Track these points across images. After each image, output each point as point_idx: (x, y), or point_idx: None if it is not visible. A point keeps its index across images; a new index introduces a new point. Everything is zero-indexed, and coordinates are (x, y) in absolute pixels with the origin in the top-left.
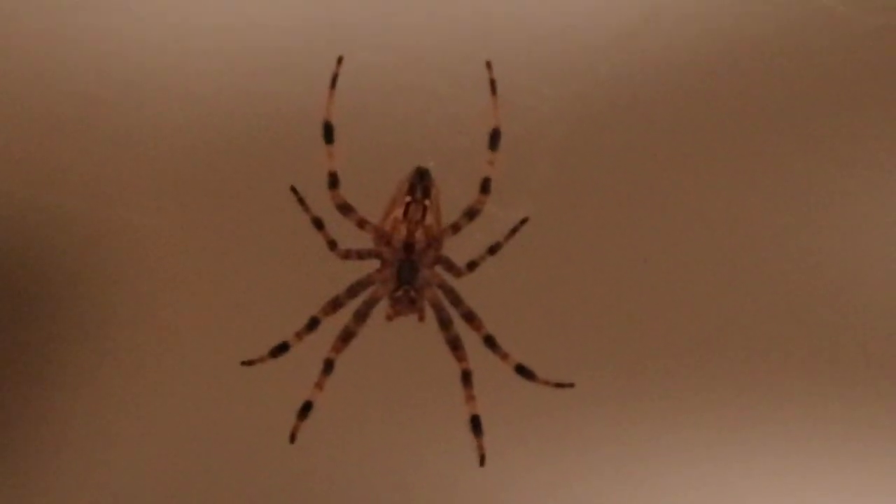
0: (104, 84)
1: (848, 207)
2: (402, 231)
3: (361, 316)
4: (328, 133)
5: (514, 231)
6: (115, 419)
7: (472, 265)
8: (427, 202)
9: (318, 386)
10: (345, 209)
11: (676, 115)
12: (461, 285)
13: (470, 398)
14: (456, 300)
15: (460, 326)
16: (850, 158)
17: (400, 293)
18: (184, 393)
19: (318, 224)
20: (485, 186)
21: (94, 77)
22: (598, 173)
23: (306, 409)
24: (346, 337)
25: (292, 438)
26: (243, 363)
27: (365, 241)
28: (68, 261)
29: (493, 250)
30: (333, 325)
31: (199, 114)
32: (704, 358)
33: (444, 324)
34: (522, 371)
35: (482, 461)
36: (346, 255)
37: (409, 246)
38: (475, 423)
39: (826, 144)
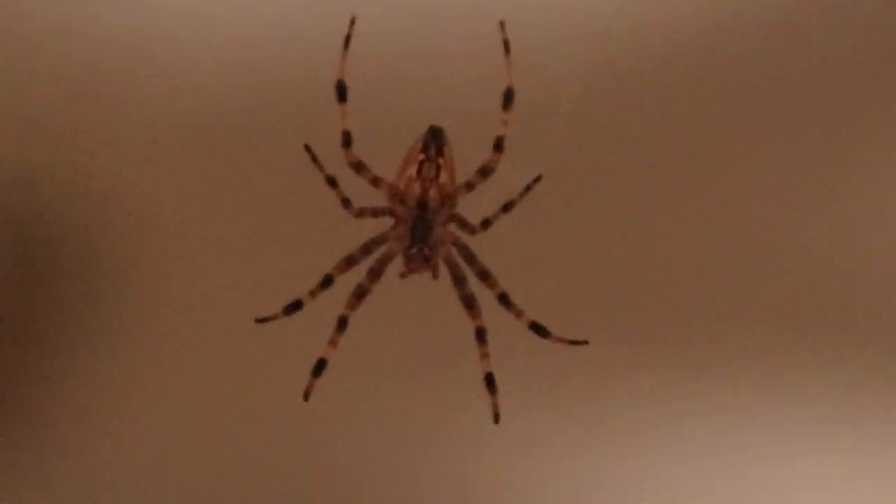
0: (113, 46)
1: (864, 187)
2: (416, 189)
3: (375, 273)
4: (341, 92)
5: (527, 189)
6: (131, 377)
7: (486, 223)
8: (441, 160)
9: (332, 343)
10: (358, 167)
11: (693, 75)
12: (475, 243)
13: (484, 356)
14: (470, 258)
15: (474, 284)
16: (866, 144)
17: (414, 250)
18: (199, 351)
19: (332, 182)
20: (498, 145)
21: (102, 39)
22: (611, 132)
23: (320, 366)
24: (360, 294)
25: (306, 396)
26: (257, 320)
27: (379, 199)
28: (79, 224)
29: (506, 208)
30: (347, 283)
31: (212, 75)
32: (719, 317)
33: (458, 281)
34: (536, 328)
35: (496, 419)
36: (360, 213)
37: (423, 204)
38: (489, 381)
39: (849, 122)
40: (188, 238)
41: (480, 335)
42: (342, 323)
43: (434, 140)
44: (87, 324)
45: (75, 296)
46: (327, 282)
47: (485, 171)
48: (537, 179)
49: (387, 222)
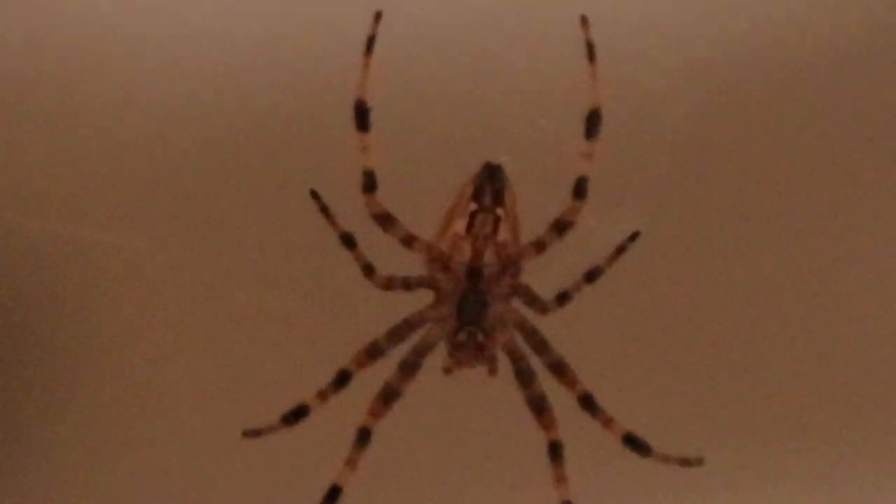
0: (83, 84)
1: None
2: (466, 251)
3: (409, 368)
4: (362, 117)
5: (619, 251)
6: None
7: (562, 298)
8: (499, 211)
9: (350, 464)
10: (385, 221)
11: (830, 88)
12: (547, 325)
13: (560, 479)
14: (540, 346)
15: (547, 382)
16: None
17: (463, 336)
18: (172, 470)
19: (349, 242)
20: (579, 189)
21: (71, 80)
22: (730, 171)
23: (334, 495)
24: (387, 397)
25: None
26: (246, 434)
27: (414, 265)
28: (45, 291)
29: (591, 277)
30: (371, 381)
31: (194, 99)
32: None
33: (525, 378)
34: (633, 442)
35: None
36: (388, 283)
37: (474, 271)
38: None
39: None
40: (161, 320)
41: (555, 451)
42: (364, 436)
43: (490, 183)
44: (35, 432)
45: (25, 388)
46: (343, 379)
47: (561, 226)
48: (633, 237)
49: (425, 297)
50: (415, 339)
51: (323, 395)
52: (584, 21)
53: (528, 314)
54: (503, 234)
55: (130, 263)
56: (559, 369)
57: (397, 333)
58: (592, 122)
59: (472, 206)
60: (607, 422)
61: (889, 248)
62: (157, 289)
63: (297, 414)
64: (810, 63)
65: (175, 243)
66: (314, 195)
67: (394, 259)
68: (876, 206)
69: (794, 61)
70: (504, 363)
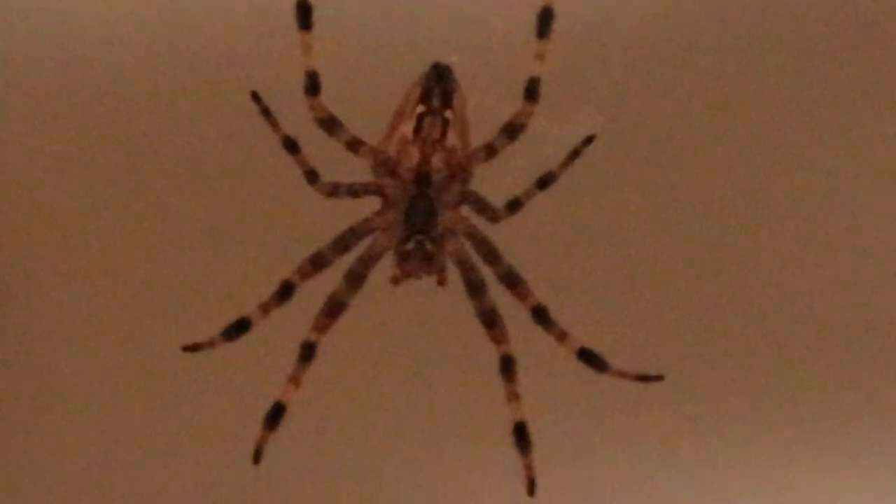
0: None
1: None
2: (414, 155)
3: (355, 279)
4: (305, 15)
5: (573, 155)
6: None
7: (514, 205)
8: (448, 114)
9: (294, 381)
10: (329, 125)
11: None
12: (499, 233)
13: (512, 396)
14: (491, 255)
15: (498, 294)
16: None
17: (411, 245)
18: (105, 389)
19: (292, 146)
20: (531, 91)
21: None
22: (690, 72)
23: (276, 414)
24: (332, 310)
25: (257, 457)
26: (185, 348)
27: (360, 170)
28: None
29: (544, 183)
30: (315, 293)
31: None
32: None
33: (476, 290)
34: (589, 357)
35: (531, 488)
36: (333, 190)
37: (423, 177)
38: (520, 434)
39: None
40: (88, 230)
41: (507, 367)
42: (308, 352)
43: (438, 84)
44: None
45: None
46: (286, 291)
47: (512, 130)
48: (588, 141)
49: (372, 204)
50: (361, 248)
51: (265, 308)
52: None
53: (479, 222)
54: (452, 139)
55: (57, 167)
56: (511, 280)
57: (343, 242)
58: (544, 21)
59: (420, 109)
60: (561, 336)
61: (845, 161)
62: (86, 195)
63: (239, 328)
64: None
65: (108, 148)
66: (255, 97)
67: (339, 165)
68: (833, 112)
69: None
70: (454, 274)
